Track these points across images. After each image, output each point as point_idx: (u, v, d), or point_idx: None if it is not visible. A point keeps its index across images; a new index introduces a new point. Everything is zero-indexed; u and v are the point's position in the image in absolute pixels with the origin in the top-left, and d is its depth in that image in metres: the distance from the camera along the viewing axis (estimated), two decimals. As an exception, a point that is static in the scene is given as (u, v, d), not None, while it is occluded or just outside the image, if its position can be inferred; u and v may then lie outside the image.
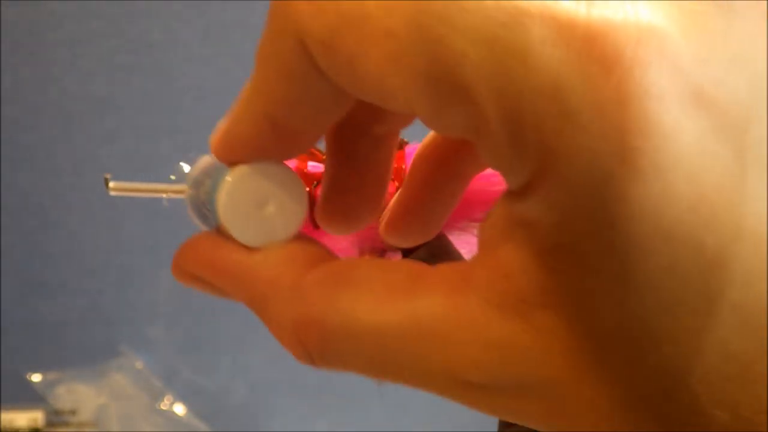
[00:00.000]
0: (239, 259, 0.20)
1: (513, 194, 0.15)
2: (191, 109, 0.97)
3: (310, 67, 0.16)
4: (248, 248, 0.20)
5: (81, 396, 0.94)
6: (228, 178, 0.20)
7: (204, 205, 0.21)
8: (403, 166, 0.31)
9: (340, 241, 0.31)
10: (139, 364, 0.97)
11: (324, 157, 0.23)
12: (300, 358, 0.18)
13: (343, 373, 0.18)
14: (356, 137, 0.22)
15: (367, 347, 0.17)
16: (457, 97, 0.14)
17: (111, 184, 0.27)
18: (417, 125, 0.29)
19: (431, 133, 0.24)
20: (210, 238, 0.20)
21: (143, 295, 0.99)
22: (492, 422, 0.49)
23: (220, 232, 0.20)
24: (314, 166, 0.32)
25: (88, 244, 0.98)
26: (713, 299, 0.14)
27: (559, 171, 0.14)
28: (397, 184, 0.28)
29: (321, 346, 0.18)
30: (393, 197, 0.26)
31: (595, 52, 0.13)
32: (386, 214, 0.25)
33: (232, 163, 0.20)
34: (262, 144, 0.19)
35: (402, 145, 0.30)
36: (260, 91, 0.18)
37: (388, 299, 0.17)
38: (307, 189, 0.31)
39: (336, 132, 0.22)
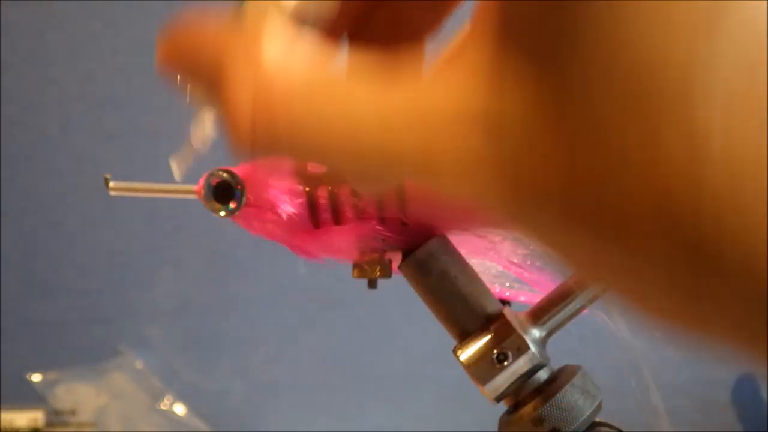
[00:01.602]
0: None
1: None
2: (191, 109, 0.97)
3: None
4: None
5: (81, 396, 0.94)
6: None
7: None
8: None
9: (341, 242, 0.31)
10: (139, 364, 0.97)
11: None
12: (241, 122, 0.17)
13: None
14: None
15: (327, 102, 0.16)
16: None
17: (111, 184, 0.27)
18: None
19: None
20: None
21: (143, 295, 0.99)
22: (492, 422, 0.49)
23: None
24: (315, 166, 0.32)
25: (88, 244, 0.98)
26: (713, 20, 0.12)
27: None
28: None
29: (280, 99, 0.16)
30: None
31: None
32: None
33: None
34: None
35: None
36: None
37: (376, 80, 0.16)
38: (307, 189, 0.31)
39: None
